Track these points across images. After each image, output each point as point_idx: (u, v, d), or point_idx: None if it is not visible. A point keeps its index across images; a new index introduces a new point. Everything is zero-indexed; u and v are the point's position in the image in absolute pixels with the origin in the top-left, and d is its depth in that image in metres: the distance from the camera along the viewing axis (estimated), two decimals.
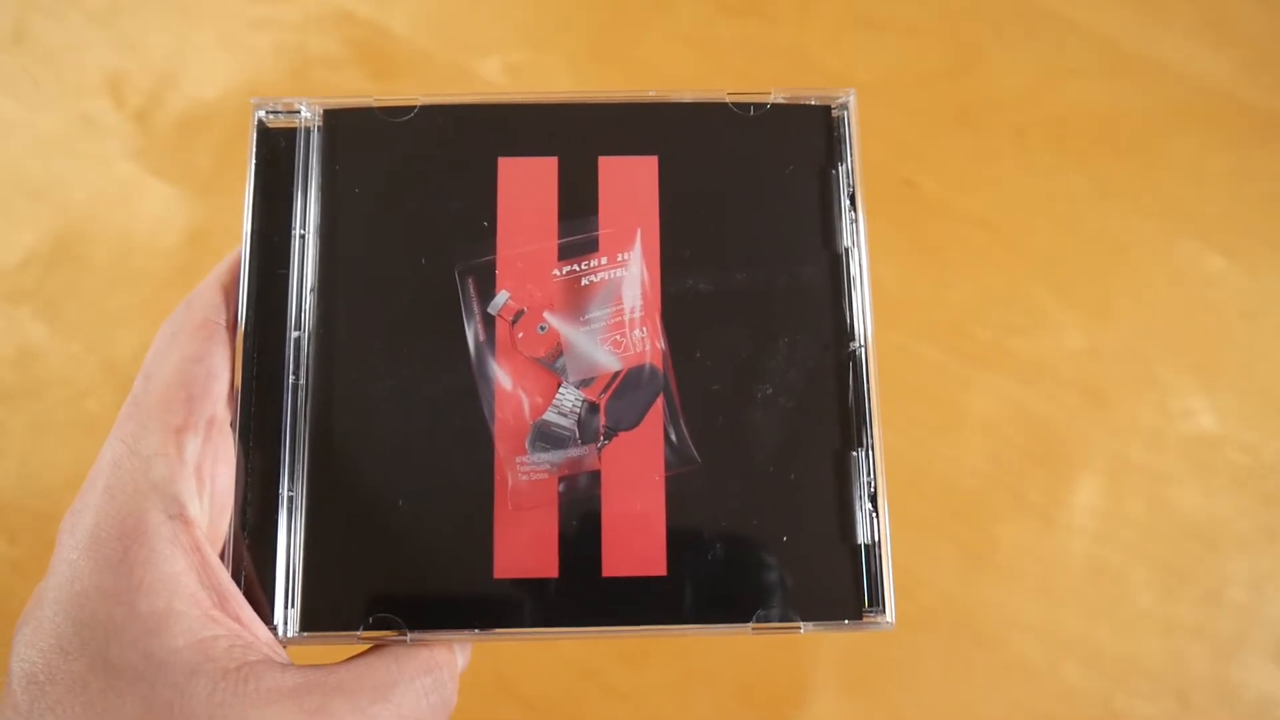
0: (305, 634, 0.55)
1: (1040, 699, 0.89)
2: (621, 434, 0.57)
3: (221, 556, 0.54)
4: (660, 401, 0.58)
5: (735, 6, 1.05)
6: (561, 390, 0.58)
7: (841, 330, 0.59)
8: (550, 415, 0.57)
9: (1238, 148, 1.01)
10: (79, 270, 0.98)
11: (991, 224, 0.99)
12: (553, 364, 0.58)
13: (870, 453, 0.57)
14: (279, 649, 0.52)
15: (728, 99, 0.61)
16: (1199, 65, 1.02)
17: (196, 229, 0.99)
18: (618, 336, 0.58)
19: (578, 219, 0.60)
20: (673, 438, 0.57)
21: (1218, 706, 0.88)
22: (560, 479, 0.57)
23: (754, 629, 0.56)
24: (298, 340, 0.58)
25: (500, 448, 0.57)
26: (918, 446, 0.93)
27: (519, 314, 0.58)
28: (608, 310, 0.58)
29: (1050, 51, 1.04)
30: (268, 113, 0.61)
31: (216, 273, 0.58)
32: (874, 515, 0.57)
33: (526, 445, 0.57)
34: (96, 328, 0.97)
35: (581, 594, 0.56)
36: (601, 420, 0.58)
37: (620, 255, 0.59)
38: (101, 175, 1.00)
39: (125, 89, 1.02)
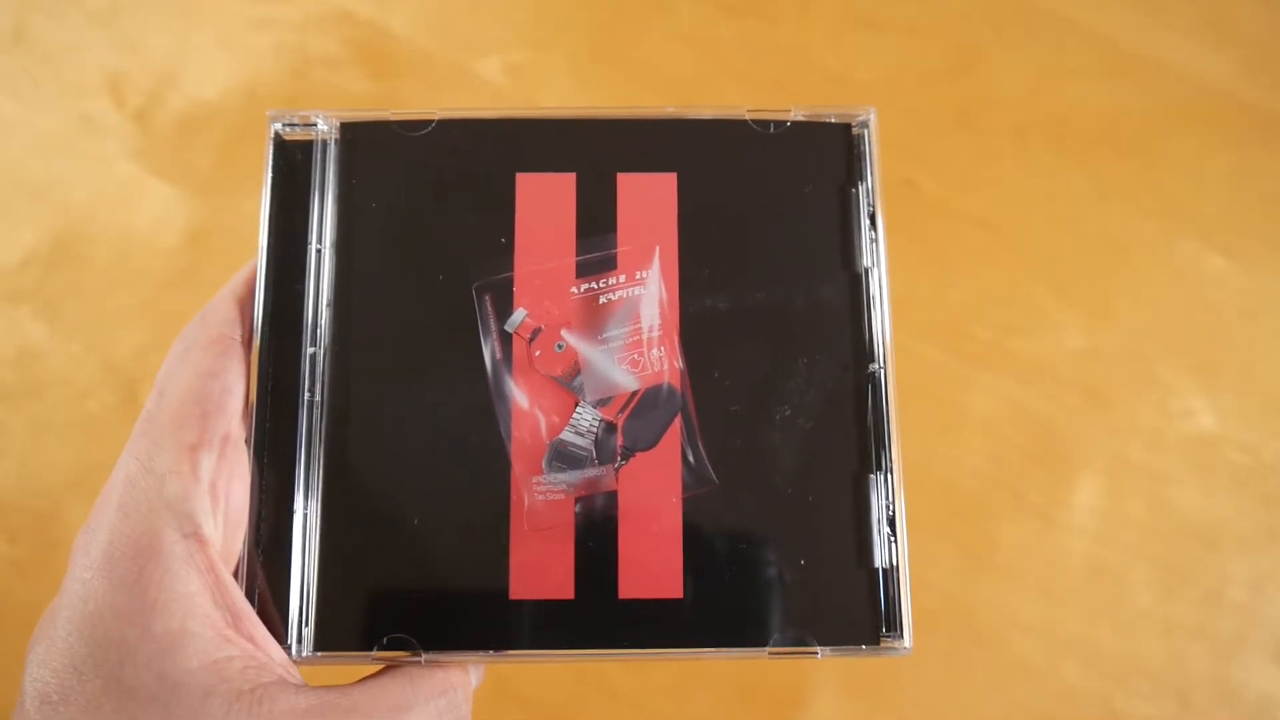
0: (319, 654, 0.55)
1: (1040, 699, 0.89)
2: (639, 454, 0.57)
3: (235, 575, 0.53)
4: (678, 422, 0.57)
5: (735, 6, 1.05)
6: (579, 409, 0.57)
7: (861, 351, 0.58)
8: (567, 435, 0.57)
9: (1238, 148, 1.00)
10: (79, 270, 0.98)
11: (991, 224, 0.98)
12: (570, 383, 0.57)
13: (889, 476, 0.57)
14: (293, 669, 0.52)
15: (747, 116, 0.61)
16: (1199, 65, 1.02)
17: (196, 229, 0.98)
18: (635, 355, 0.58)
19: (596, 236, 0.59)
20: (690, 459, 0.57)
21: (1218, 706, 0.88)
22: (577, 499, 0.56)
23: (770, 653, 0.55)
24: (313, 356, 0.57)
25: (517, 467, 0.56)
26: (918, 446, 0.93)
27: (536, 332, 0.58)
28: (626, 329, 0.58)
29: (1050, 51, 1.03)
30: (284, 125, 0.60)
31: (231, 286, 0.57)
32: (892, 539, 0.56)
33: (543, 465, 0.56)
34: (96, 328, 0.97)
35: (597, 616, 0.55)
36: (619, 440, 0.57)
37: (639, 273, 0.58)
38: (101, 175, 1.00)
39: (125, 89, 1.02)
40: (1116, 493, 0.92)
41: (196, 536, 0.50)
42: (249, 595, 0.54)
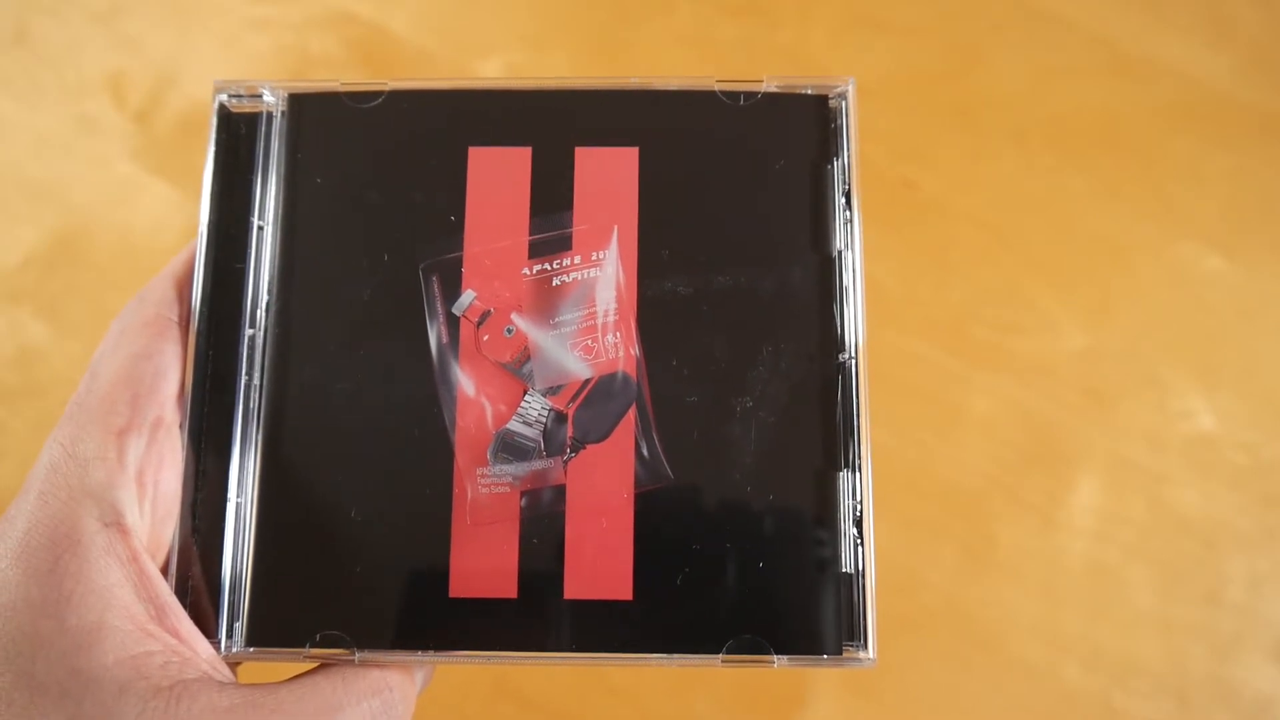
0: (251, 650, 0.50)
1: (1040, 699, 0.84)
2: (589, 446, 0.51)
3: (166, 566, 0.49)
4: (632, 413, 0.51)
5: (735, 6, 1.01)
6: (527, 398, 0.52)
7: (831, 340, 0.52)
8: (514, 424, 0.51)
9: (1238, 148, 0.96)
10: (79, 270, 0.94)
11: (991, 224, 0.94)
12: (519, 369, 0.52)
13: (857, 474, 0.51)
14: (220, 666, 0.47)
15: (716, 87, 0.55)
16: (1199, 65, 0.98)
17: (196, 229, 0.93)
18: (589, 341, 0.52)
19: (551, 214, 0.53)
20: (644, 452, 0.51)
21: (1218, 706, 0.84)
22: (523, 493, 0.51)
23: (723, 661, 0.49)
24: (252, 338, 0.52)
25: (460, 458, 0.51)
26: (918, 446, 0.89)
27: (485, 315, 0.52)
28: (580, 313, 0.52)
29: (1050, 51, 0.99)
30: (230, 96, 0.55)
31: (171, 266, 0.53)
32: (859, 542, 0.50)
33: (488, 456, 0.51)
34: (96, 328, 0.92)
35: (541, 617, 0.50)
36: (569, 431, 0.51)
37: (595, 254, 0.53)
38: (101, 175, 0.96)
39: (125, 89, 0.98)
40: (1116, 493, 0.88)
41: (118, 526, 0.45)
42: (182, 587, 0.50)
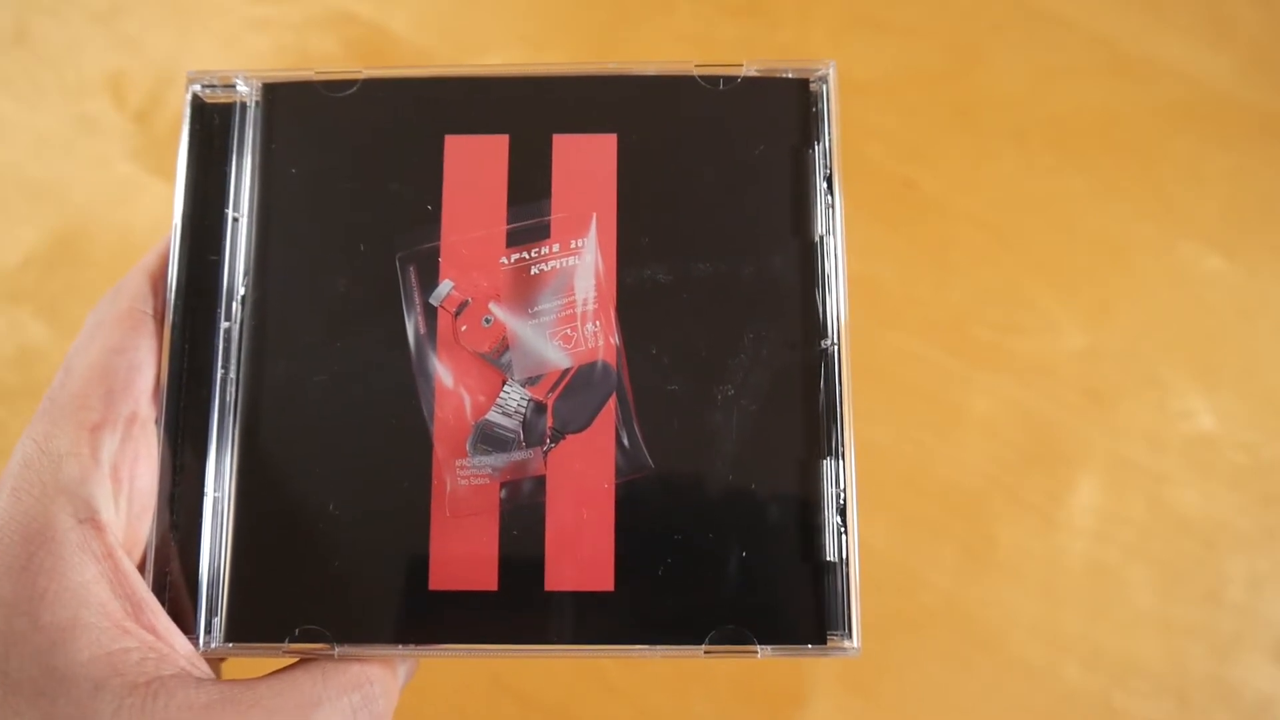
0: (230, 645, 0.49)
1: (1040, 699, 0.83)
2: (569, 437, 0.50)
3: (143, 562, 0.48)
4: (612, 402, 0.50)
5: (735, 6, 1.00)
6: (506, 388, 0.50)
7: (813, 326, 0.51)
8: (493, 415, 0.50)
9: (1238, 148, 0.95)
10: (79, 270, 0.94)
11: (991, 224, 0.93)
12: (498, 360, 0.51)
13: (841, 461, 0.49)
14: (199, 662, 0.46)
15: (695, 71, 0.54)
16: (1199, 65, 0.97)
17: None
18: (568, 330, 0.51)
19: (529, 202, 0.52)
20: (625, 442, 0.50)
21: (1218, 706, 0.83)
22: (502, 484, 0.50)
23: (706, 651, 0.48)
24: (228, 331, 0.51)
25: (439, 450, 0.50)
26: (917, 446, 0.88)
27: (463, 305, 0.51)
28: (558, 302, 0.51)
29: (1050, 51, 0.98)
30: (204, 87, 0.53)
31: (145, 259, 0.52)
32: (842, 530, 0.49)
33: (467, 447, 0.50)
34: None
35: (522, 609, 0.49)
36: (548, 421, 0.50)
37: (573, 242, 0.52)
38: (101, 175, 0.95)
39: (125, 89, 0.98)
40: (1116, 493, 0.87)
41: (93, 522, 0.44)
42: (160, 583, 0.48)
